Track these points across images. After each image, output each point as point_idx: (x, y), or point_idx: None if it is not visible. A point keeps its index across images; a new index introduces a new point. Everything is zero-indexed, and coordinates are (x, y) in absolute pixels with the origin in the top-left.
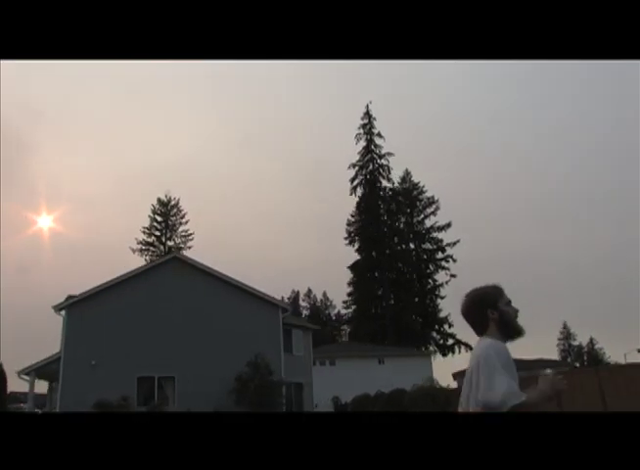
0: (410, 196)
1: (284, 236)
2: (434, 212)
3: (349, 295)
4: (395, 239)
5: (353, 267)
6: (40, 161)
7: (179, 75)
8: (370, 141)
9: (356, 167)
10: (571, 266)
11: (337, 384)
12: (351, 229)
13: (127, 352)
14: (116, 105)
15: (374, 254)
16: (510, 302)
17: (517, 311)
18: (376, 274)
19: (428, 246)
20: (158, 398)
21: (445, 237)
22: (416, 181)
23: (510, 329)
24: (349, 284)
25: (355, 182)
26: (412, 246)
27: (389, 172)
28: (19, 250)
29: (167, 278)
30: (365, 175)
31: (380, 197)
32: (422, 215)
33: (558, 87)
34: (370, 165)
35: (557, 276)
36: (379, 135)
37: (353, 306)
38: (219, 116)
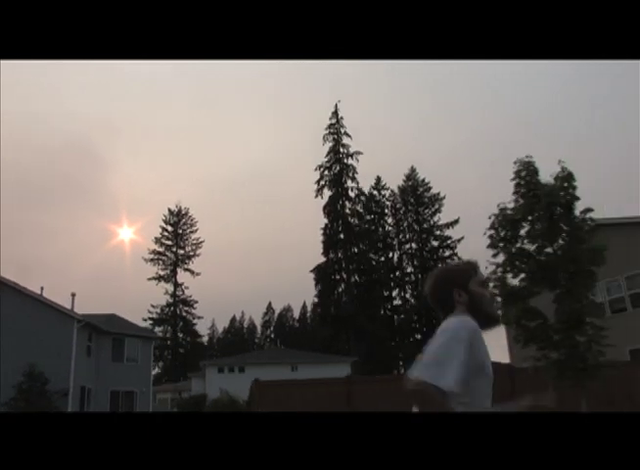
0: (415, 193)
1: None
2: (438, 210)
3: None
4: (365, 246)
5: (316, 271)
6: (118, 175)
7: (246, 82)
8: (337, 141)
9: (322, 168)
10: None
11: (244, 392)
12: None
13: None
14: (188, 115)
15: (340, 256)
16: (485, 282)
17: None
18: (343, 276)
19: (434, 244)
20: None
21: (453, 234)
22: (421, 178)
23: (481, 314)
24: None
25: (321, 183)
26: (415, 245)
27: (356, 172)
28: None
29: None
30: (332, 176)
31: (347, 197)
32: (427, 213)
33: (557, 85)
34: (337, 166)
35: None
36: (346, 134)
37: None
38: (292, 121)
